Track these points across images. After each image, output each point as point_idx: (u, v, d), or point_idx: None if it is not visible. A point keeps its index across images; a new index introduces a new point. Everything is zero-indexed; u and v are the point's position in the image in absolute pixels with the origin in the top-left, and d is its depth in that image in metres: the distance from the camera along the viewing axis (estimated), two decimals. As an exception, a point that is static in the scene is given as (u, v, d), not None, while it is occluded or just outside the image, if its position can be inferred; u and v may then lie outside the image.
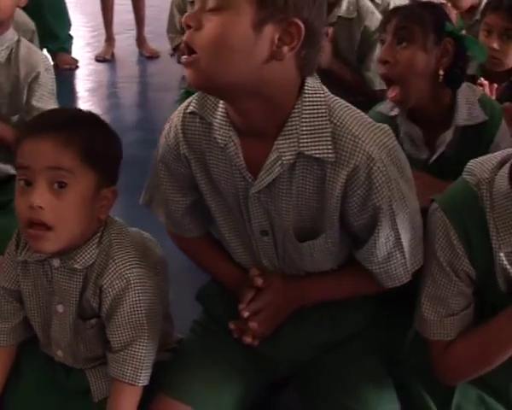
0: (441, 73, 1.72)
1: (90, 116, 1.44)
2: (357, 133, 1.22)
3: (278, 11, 1.11)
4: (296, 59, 1.18)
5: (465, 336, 1.32)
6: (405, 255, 1.32)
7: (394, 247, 1.31)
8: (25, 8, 2.47)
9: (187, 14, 1.16)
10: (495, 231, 1.24)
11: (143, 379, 1.37)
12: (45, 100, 2.19)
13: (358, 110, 1.28)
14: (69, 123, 1.35)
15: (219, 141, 1.27)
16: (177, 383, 1.40)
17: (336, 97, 1.28)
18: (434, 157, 1.76)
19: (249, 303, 1.39)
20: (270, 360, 1.46)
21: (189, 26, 1.15)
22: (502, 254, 1.24)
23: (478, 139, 1.74)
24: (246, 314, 1.37)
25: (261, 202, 1.31)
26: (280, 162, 1.23)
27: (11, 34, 2.23)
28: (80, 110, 1.52)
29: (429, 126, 1.77)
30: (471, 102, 1.75)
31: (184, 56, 1.17)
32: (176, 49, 3.43)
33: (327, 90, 1.28)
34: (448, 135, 1.74)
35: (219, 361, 1.44)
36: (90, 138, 1.34)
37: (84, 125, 1.37)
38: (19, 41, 2.23)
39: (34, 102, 2.18)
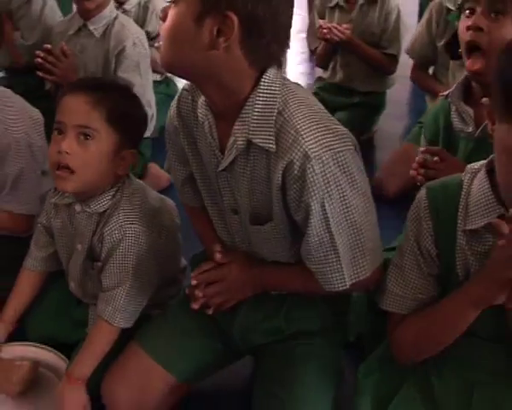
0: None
1: (120, 85, 1.69)
2: (300, 130, 1.25)
3: (213, 5, 1.19)
4: (243, 50, 1.23)
5: (415, 314, 1.34)
6: (341, 262, 1.32)
7: (329, 250, 1.32)
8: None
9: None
10: (464, 211, 1.25)
11: (120, 321, 1.59)
12: (130, 71, 2.41)
13: (319, 110, 1.32)
14: (99, 88, 1.59)
15: (199, 118, 1.38)
16: (152, 338, 1.59)
17: (301, 94, 1.32)
18: (479, 130, 1.72)
19: (202, 273, 1.48)
20: (229, 336, 1.58)
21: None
22: (461, 233, 1.25)
23: None
24: (193, 282, 1.47)
25: (228, 180, 1.40)
26: (235, 146, 1.31)
27: (108, 12, 2.50)
28: (114, 80, 1.76)
29: (479, 105, 1.70)
30: None
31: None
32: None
33: (292, 85, 1.33)
34: None
35: (193, 327, 1.59)
36: (116, 103, 1.57)
37: (112, 91, 1.61)
38: (115, 18, 2.50)
39: (120, 73, 2.42)
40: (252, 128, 1.28)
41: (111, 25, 2.48)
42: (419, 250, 1.31)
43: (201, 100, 1.38)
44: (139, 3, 3.12)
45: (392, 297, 1.36)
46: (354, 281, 1.35)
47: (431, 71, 3.10)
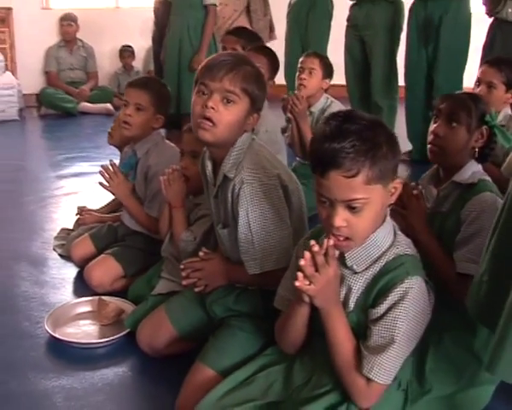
0: (476, 150, 2.20)
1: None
2: (245, 167, 1.99)
3: (255, 107, 2.02)
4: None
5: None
6: (255, 255, 2.00)
7: (250, 245, 2.00)
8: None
9: (211, 102, 1.94)
10: None
11: None
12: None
13: (264, 158, 2.04)
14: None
15: (205, 165, 2.14)
16: (171, 303, 2.38)
17: (257, 149, 2.07)
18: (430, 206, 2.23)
19: (190, 263, 2.20)
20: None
21: (212, 107, 1.95)
22: None
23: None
24: (181, 267, 2.19)
25: (217, 204, 2.15)
26: (219, 180, 2.07)
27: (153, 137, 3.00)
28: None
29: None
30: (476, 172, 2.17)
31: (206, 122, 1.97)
32: None
33: (255, 143, 2.09)
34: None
35: (194, 300, 2.30)
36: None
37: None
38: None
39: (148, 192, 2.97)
40: (227, 169, 2.03)
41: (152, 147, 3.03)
42: None
43: (206, 154, 2.14)
44: None
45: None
46: (263, 267, 2.00)
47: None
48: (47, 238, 3.51)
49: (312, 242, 1.59)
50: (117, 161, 3.04)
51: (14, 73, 7.60)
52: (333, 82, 5.97)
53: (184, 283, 2.21)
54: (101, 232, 3.13)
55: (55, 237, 3.46)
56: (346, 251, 1.65)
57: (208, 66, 2.00)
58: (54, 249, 3.35)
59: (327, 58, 4.30)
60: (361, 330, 1.67)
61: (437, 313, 1.73)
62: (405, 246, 1.69)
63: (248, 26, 7.06)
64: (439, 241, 2.10)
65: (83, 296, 2.77)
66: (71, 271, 3.12)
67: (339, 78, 5.73)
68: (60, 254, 3.29)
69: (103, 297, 2.67)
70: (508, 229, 1.51)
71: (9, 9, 7.68)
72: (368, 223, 1.61)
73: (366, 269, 1.66)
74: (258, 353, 2.01)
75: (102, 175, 2.88)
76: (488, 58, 3.55)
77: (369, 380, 1.62)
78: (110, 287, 2.83)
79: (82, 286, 2.92)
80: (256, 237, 1.99)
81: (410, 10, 5.08)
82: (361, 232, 1.61)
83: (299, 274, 1.57)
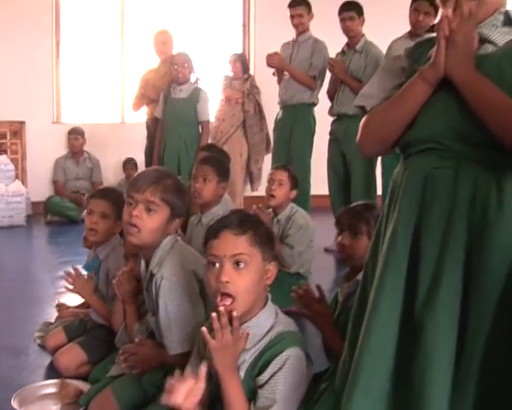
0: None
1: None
2: (166, 264, 2.43)
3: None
4: None
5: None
6: (174, 334, 2.40)
7: (168, 328, 2.41)
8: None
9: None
10: None
11: None
12: None
13: (182, 259, 2.47)
14: None
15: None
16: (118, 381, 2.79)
17: (178, 252, 2.52)
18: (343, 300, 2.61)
19: (127, 349, 2.60)
20: None
21: (136, 216, 2.37)
22: None
23: None
24: (120, 352, 2.63)
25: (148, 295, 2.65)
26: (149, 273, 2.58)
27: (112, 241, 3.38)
28: None
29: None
30: None
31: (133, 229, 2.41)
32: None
33: (179, 245, 2.56)
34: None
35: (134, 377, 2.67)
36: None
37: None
38: None
39: None
40: (153, 266, 2.47)
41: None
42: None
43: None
44: None
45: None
46: (181, 351, 2.37)
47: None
48: (31, 331, 3.92)
49: (213, 314, 1.97)
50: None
51: (23, 181, 8.17)
52: (317, 192, 6.51)
53: (123, 365, 2.60)
54: (74, 325, 3.53)
55: (38, 330, 3.86)
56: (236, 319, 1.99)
57: (134, 180, 2.44)
58: (34, 340, 3.75)
59: (294, 171, 4.73)
60: (252, 396, 2.04)
61: None
62: (287, 324, 2.09)
63: (244, 141, 7.62)
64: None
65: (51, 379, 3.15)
66: (46, 358, 3.51)
67: (322, 189, 6.24)
68: (39, 344, 3.69)
69: (67, 380, 3.05)
70: (355, 316, 1.91)
71: (22, 123, 8.31)
72: (248, 285, 2.00)
73: (253, 346, 2.05)
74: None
75: (66, 280, 3.27)
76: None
77: None
78: (75, 371, 3.19)
79: (53, 371, 3.30)
80: (174, 323, 2.39)
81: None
82: (242, 293, 1.99)
83: (204, 329, 1.97)
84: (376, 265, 1.76)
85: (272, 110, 6.78)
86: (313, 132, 6.48)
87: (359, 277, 2.47)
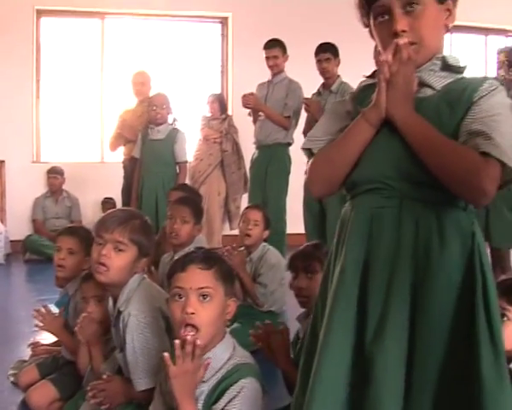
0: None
1: None
2: (133, 302, 2.49)
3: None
4: None
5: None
6: (140, 370, 2.45)
7: (134, 364, 2.46)
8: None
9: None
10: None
11: None
12: None
13: (150, 297, 2.55)
14: None
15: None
16: None
17: (144, 290, 2.58)
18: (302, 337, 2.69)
19: (95, 385, 2.59)
20: None
21: (105, 255, 2.46)
22: None
23: None
24: (88, 388, 2.63)
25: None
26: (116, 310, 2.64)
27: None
28: None
29: None
30: None
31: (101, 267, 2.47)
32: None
33: (145, 282, 2.62)
34: None
35: None
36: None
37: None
38: None
39: None
40: (120, 304, 2.53)
41: None
42: None
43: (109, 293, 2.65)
44: None
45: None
46: (147, 387, 2.41)
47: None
48: (5, 369, 3.94)
49: (176, 341, 2.05)
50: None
51: (2, 220, 8.23)
52: (293, 231, 6.57)
53: (91, 402, 2.63)
54: (47, 362, 3.57)
55: (11, 367, 3.89)
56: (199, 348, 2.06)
57: (103, 220, 2.52)
58: (8, 378, 3.78)
59: (267, 211, 4.83)
60: None
61: None
62: (244, 357, 2.18)
63: (222, 180, 7.71)
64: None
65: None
66: (19, 396, 3.54)
67: (298, 227, 6.30)
68: (12, 382, 3.72)
69: (38, 416, 3.10)
70: (307, 353, 1.97)
71: (2, 162, 8.40)
72: (212, 317, 2.10)
73: (211, 377, 2.13)
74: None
75: (36, 317, 3.29)
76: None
77: None
78: (47, 408, 3.23)
79: (26, 409, 3.32)
80: (140, 359, 2.45)
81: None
82: (206, 325, 2.08)
83: (166, 354, 2.04)
84: (325, 303, 1.82)
85: (250, 149, 6.87)
86: (288, 172, 6.56)
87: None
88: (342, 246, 1.83)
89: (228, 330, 2.23)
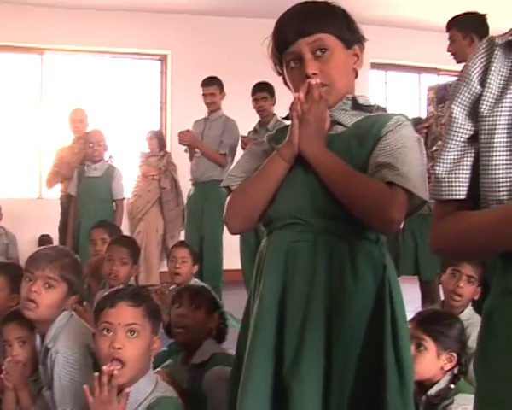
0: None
1: None
2: (61, 339, 2.46)
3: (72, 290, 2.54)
4: None
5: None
6: (69, 407, 2.45)
7: (63, 402, 2.42)
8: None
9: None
10: None
11: None
12: None
13: (81, 331, 2.56)
14: None
15: None
16: None
17: (77, 324, 2.62)
18: None
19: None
20: None
21: (35, 291, 2.45)
22: None
23: None
24: None
25: None
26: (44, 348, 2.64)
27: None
28: None
29: None
30: None
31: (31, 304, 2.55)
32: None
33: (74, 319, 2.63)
34: None
35: None
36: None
37: None
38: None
39: None
40: (48, 341, 2.52)
41: None
42: None
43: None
44: None
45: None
46: None
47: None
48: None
49: (95, 373, 2.12)
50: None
51: None
52: (230, 267, 6.63)
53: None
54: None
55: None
56: (121, 380, 2.12)
57: (33, 257, 2.54)
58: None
59: (194, 248, 4.95)
60: None
61: None
62: (166, 391, 2.24)
63: (160, 217, 7.74)
64: None
65: None
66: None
67: (234, 263, 6.37)
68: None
69: None
70: (231, 389, 2.01)
71: None
72: (138, 353, 2.17)
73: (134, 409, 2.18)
74: None
75: None
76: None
77: None
78: None
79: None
80: (68, 397, 2.44)
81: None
82: (132, 360, 2.15)
83: (86, 386, 2.12)
84: (247, 336, 1.87)
85: (189, 186, 6.91)
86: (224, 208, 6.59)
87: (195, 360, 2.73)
88: (260, 280, 1.90)
89: (152, 365, 2.29)
